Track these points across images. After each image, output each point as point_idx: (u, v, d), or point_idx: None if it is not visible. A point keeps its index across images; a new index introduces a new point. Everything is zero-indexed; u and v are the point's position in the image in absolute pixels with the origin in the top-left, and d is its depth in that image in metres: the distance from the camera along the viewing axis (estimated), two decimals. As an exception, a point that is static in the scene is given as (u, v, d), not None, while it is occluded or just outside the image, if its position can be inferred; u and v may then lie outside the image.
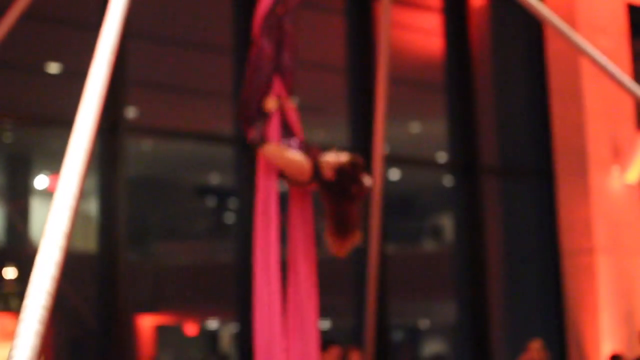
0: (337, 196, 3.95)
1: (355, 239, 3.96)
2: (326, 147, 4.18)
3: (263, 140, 4.05)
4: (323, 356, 6.50)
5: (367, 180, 3.98)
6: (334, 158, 3.99)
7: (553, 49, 10.86)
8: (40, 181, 12.54)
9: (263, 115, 4.12)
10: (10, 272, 10.26)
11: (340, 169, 3.92)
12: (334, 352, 7.17)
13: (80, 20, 9.14)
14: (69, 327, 12.96)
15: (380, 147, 5.88)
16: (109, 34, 2.80)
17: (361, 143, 9.26)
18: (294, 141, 4.10)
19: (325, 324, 17.51)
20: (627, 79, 5.04)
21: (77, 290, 10.63)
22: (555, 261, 10.59)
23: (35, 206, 12.48)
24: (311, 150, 4.05)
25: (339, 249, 3.96)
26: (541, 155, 10.98)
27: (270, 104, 4.15)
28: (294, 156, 4.01)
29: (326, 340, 6.49)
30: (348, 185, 3.91)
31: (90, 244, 11.18)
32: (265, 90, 4.19)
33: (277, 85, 4.20)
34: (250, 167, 9.07)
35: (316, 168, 3.99)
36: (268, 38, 4.23)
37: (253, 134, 4.10)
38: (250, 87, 4.21)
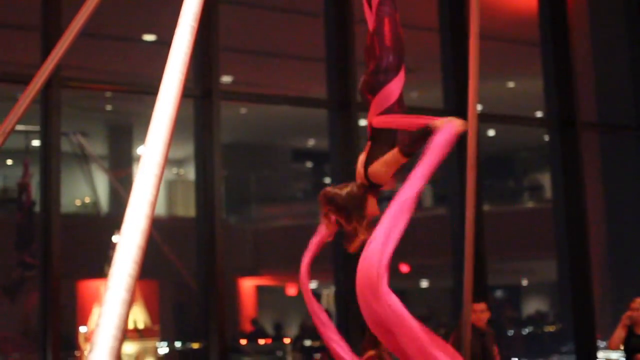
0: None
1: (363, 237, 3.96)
2: (418, 109, 4.16)
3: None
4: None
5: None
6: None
7: (654, 0, 10.53)
8: (142, 149, 12.83)
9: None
10: (116, 239, 10.57)
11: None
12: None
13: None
14: (172, 291, 13.27)
15: (474, 106, 5.81)
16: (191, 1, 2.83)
17: (455, 102, 9.18)
18: None
19: (424, 284, 17.51)
20: None
21: (179, 254, 10.88)
22: (659, 217, 10.35)
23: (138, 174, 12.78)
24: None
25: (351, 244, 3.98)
26: (642, 109, 10.70)
27: None
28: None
29: None
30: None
31: (191, 209, 11.40)
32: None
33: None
34: (343, 129, 9.10)
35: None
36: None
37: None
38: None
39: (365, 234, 3.91)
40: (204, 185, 8.40)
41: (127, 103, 12.27)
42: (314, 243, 4.20)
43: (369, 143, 4.03)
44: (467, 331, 6.34)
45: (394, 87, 4.01)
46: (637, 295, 8.09)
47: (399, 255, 3.96)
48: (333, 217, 4.04)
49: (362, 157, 4.04)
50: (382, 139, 3.99)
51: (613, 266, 11.00)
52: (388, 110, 4.01)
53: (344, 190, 3.98)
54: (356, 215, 3.96)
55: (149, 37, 10.28)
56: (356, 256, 3.94)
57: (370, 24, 4.17)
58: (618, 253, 11.05)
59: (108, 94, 11.12)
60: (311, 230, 4.36)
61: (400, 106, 4.05)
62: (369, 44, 4.14)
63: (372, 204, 4.02)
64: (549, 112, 10.36)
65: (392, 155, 3.89)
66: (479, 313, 7.75)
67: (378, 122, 4.00)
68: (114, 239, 10.57)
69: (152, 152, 2.42)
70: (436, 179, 10.60)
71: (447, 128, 3.69)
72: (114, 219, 12.45)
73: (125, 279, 2.09)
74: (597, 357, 9.61)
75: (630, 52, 10.97)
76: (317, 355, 11.97)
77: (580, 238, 9.98)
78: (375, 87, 4.03)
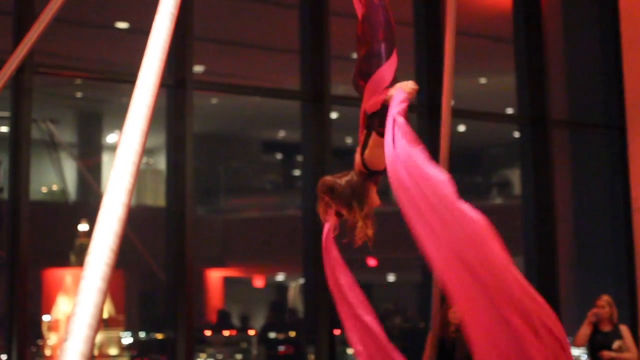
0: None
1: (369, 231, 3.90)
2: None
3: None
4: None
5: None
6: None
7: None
8: (112, 137, 12.74)
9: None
10: (83, 228, 10.50)
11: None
12: None
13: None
14: (138, 280, 13.21)
15: (448, 101, 5.82)
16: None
17: (429, 97, 9.20)
18: None
19: (391, 278, 17.55)
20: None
21: (147, 244, 10.83)
22: (626, 215, 10.43)
23: (107, 162, 12.69)
24: None
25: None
26: (612, 108, 10.78)
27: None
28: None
29: None
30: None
31: (160, 199, 11.36)
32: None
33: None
34: (315, 122, 9.09)
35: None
36: None
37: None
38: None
39: (368, 226, 3.86)
40: (174, 175, 8.36)
41: (98, 91, 12.18)
42: (326, 238, 4.08)
43: (364, 131, 3.99)
44: (435, 325, 6.35)
45: (386, 71, 3.97)
46: (603, 293, 8.16)
47: (366, 249, 3.93)
48: (333, 208, 3.98)
49: (359, 147, 4.00)
50: (377, 124, 3.94)
51: (579, 263, 11.08)
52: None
53: (344, 179, 3.92)
54: (357, 205, 3.89)
55: (122, 25, 10.20)
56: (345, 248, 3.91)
57: (359, 12, 4.15)
58: (585, 250, 11.14)
59: (78, 81, 11.03)
60: (280, 222, 4.35)
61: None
62: (360, 32, 4.11)
63: (373, 193, 3.97)
64: (520, 109, 10.42)
65: (373, 139, 3.87)
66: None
67: (372, 108, 3.96)
68: (81, 227, 10.50)
69: (129, 140, 2.41)
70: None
71: (399, 92, 3.78)
72: (82, 207, 12.37)
73: (102, 267, 2.08)
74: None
75: (602, 51, 11.05)
76: (282, 348, 11.98)
77: (548, 235, 10.05)
78: (367, 72, 3.99)
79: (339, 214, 3.95)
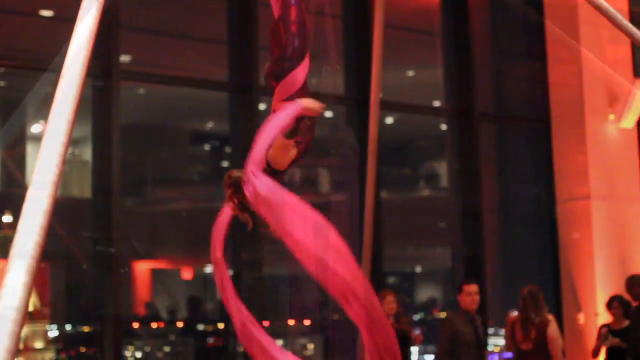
0: None
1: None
2: (319, 95, 4.17)
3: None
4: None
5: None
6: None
7: (550, -6, 10.77)
8: (35, 127, 12.51)
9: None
10: (6, 219, 10.30)
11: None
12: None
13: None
14: (64, 273, 13.02)
15: (377, 93, 5.85)
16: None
17: (356, 89, 9.22)
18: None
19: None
20: (625, 22, 4.99)
21: (73, 236, 10.68)
22: (551, 208, 10.61)
23: (31, 152, 12.46)
24: None
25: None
26: (537, 102, 10.94)
27: None
28: None
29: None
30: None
31: (86, 190, 11.20)
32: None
33: None
34: (244, 113, 9.05)
35: None
36: None
37: None
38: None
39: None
40: (100, 166, 8.26)
41: (20, 79, 11.94)
42: (220, 222, 4.22)
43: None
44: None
45: (299, 74, 4.02)
46: (528, 282, 8.29)
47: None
48: (236, 200, 4.06)
49: None
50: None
51: (504, 255, 11.24)
52: (292, 97, 4.02)
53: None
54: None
55: (46, 13, 10.02)
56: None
57: (276, 10, 4.15)
58: (511, 242, 11.30)
59: (1, 70, 10.81)
60: (208, 214, 4.36)
61: (305, 93, 4.06)
62: (274, 29, 4.12)
63: None
64: (448, 102, 10.52)
65: (278, 141, 3.93)
66: (473, 295, 7.52)
67: (281, 109, 4.01)
68: (5, 218, 10.31)
69: (55, 131, 2.36)
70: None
71: (296, 103, 3.91)
72: (4, 199, 12.13)
73: (27, 260, 2.03)
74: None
75: (528, 46, 11.21)
76: (210, 340, 11.91)
77: (474, 227, 10.18)
78: (280, 74, 4.03)
79: (241, 207, 4.06)
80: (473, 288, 7.51)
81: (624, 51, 10.56)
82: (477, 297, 7.50)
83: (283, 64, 4.05)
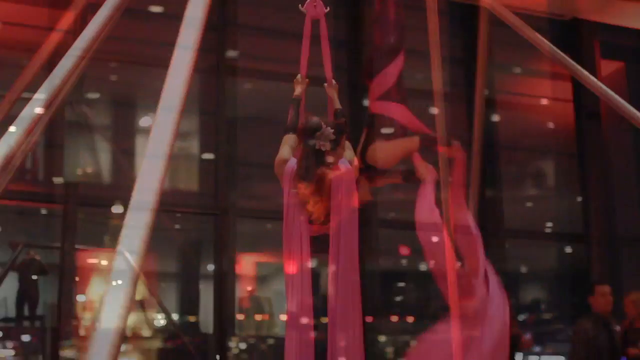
0: None
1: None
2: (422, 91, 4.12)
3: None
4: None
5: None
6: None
7: None
8: (145, 121, 12.75)
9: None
10: (116, 210, 10.51)
11: None
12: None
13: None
14: (175, 264, 13.20)
15: (481, 91, 5.78)
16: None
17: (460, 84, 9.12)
18: None
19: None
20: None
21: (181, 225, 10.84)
22: None
23: (141, 145, 12.69)
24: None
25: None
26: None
27: None
28: None
29: None
30: None
31: (193, 183, 11.37)
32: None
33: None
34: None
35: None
36: None
37: None
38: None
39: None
40: (206, 160, 8.37)
41: (131, 74, 12.20)
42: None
43: (365, 129, 3.98)
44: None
45: (391, 72, 3.95)
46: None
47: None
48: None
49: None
50: (379, 125, 3.93)
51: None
52: (386, 94, 3.96)
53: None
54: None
55: (156, 9, 10.20)
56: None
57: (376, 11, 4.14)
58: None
59: (113, 64, 11.05)
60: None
61: (399, 90, 3.99)
62: (373, 27, 4.11)
63: (363, 188, 3.95)
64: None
65: (378, 142, 3.86)
66: (607, 296, 6.88)
67: (376, 108, 3.94)
68: (115, 209, 10.50)
69: (162, 125, 2.40)
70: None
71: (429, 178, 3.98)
72: (114, 190, 12.38)
73: (134, 250, 2.07)
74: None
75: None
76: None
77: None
78: (372, 72, 3.99)
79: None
80: (606, 289, 6.94)
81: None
82: (611, 298, 6.90)
83: (377, 62, 4.00)
